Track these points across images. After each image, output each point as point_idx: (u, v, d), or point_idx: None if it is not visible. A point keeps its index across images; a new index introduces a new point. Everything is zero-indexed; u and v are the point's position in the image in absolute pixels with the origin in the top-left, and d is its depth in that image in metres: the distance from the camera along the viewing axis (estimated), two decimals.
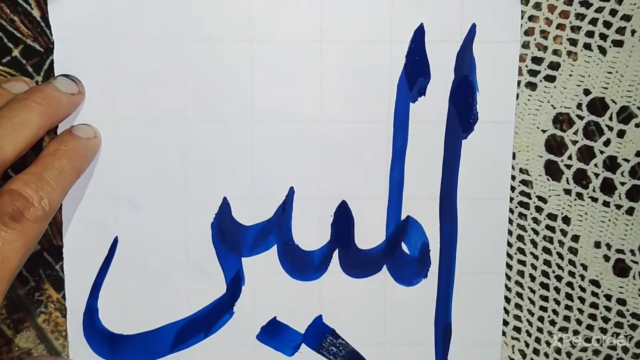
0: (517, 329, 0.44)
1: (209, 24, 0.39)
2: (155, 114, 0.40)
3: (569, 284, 0.43)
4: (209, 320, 0.41)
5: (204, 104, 0.40)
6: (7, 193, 0.33)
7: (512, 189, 0.42)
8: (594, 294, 0.43)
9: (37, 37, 0.39)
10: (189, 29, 0.39)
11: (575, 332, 0.44)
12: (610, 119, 0.42)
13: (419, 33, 0.40)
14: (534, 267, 0.43)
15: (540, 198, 0.42)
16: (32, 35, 0.39)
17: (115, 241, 0.41)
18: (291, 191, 0.41)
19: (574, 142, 0.42)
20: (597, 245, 0.43)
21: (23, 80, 0.38)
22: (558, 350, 0.44)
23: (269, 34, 0.39)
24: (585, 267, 0.43)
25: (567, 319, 0.43)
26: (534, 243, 0.43)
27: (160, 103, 0.40)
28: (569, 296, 0.43)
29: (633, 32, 0.41)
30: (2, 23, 0.39)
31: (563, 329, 0.43)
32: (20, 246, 0.33)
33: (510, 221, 0.42)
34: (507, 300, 0.43)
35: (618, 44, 0.41)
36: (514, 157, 0.42)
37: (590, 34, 0.41)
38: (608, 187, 0.42)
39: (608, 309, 0.43)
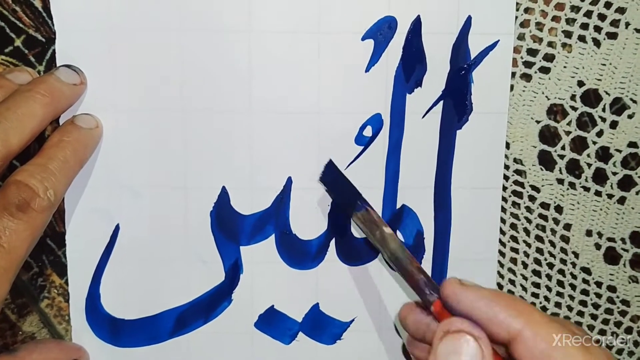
0: None
1: (209, 15, 0.40)
2: (155, 104, 0.40)
3: (561, 272, 0.44)
4: (208, 306, 0.42)
5: (203, 95, 0.40)
6: (14, 184, 0.34)
7: (506, 178, 0.43)
8: (585, 281, 0.44)
9: (39, 27, 0.40)
10: (189, 20, 0.40)
11: (566, 318, 0.44)
12: (604, 110, 0.42)
13: (416, 25, 0.40)
14: (527, 255, 0.44)
15: (533, 187, 0.43)
16: (33, 25, 0.40)
17: (117, 229, 0.41)
18: (289, 181, 0.41)
19: (568, 133, 0.42)
20: (589, 233, 0.44)
21: (26, 71, 0.39)
22: None
23: (267, 26, 0.40)
24: (576, 255, 0.44)
25: (558, 305, 0.44)
26: (527, 231, 0.43)
27: (160, 93, 0.40)
28: (560, 283, 0.44)
29: (627, 24, 0.41)
30: (4, 13, 0.39)
31: (554, 315, 0.44)
32: (27, 236, 0.34)
33: (504, 210, 0.43)
34: (500, 287, 0.44)
35: (612, 36, 0.41)
36: (508, 147, 0.42)
37: (584, 26, 0.41)
38: (600, 176, 0.43)
39: (599, 295, 0.44)
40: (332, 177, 0.40)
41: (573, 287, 0.44)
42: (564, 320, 0.34)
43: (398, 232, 0.42)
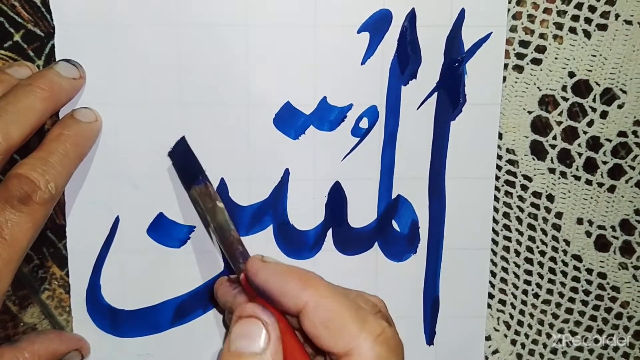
0: (502, 302, 0.45)
1: (206, 9, 0.40)
2: (153, 98, 0.41)
3: (552, 259, 0.45)
4: (207, 296, 0.43)
5: (201, 88, 0.41)
6: (15, 177, 0.34)
7: (499, 168, 0.43)
8: (576, 268, 0.45)
9: (38, 21, 0.40)
10: (187, 14, 0.40)
11: (558, 305, 0.45)
12: (594, 100, 0.43)
13: (411, 18, 0.41)
14: (519, 243, 0.44)
15: (525, 177, 0.44)
16: (32, 20, 0.40)
17: (117, 220, 0.42)
18: (286, 173, 0.42)
19: (559, 123, 0.43)
20: (580, 221, 0.44)
21: (26, 65, 0.39)
22: (541, 322, 0.46)
23: (264, 19, 0.40)
24: (568, 243, 0.45)
25: (550, 292, 0.45)
26: (519, 220, 0.44)
27: (158, 86, 0.41)
28: (552, 271, 0.45)
29: (617, 16, 0.42)
30: (3, 8, 0.40)
31: (546, 302, 0.45)
32: (28, 228, 0.34)
33: (497, 199, 0.44)
34: (493, 274, 0.45)
35: (602, 27, 0.42)
36: (500, 138, 0.43)
37: (575, 18, 0.42)
38: (591, 166, 0.44)
39: (589, 282, 0.45)
40: (180, 153, 0.41)
41: (564, 274, 0.45)
42: (355, 293, 0.35)
43: (394, 222, 0.43)
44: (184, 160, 0.41)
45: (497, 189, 0.43)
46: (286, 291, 0.33)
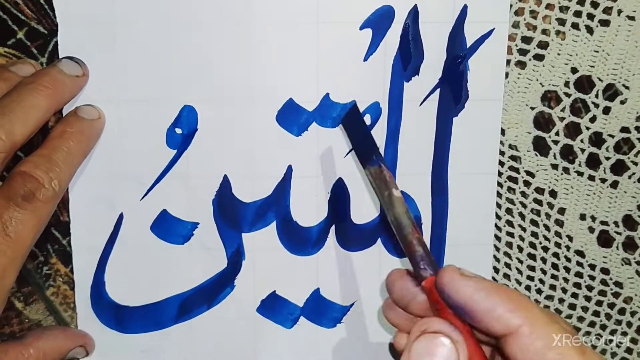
0: None
1: (209, 6, 0.40)
2: (156, 94, 0.41)
3: (555, 255, 0.45)
4: (211, 293, 0.43)
5: (204, 85, 0.41)
6: (19, 175, 0.34)
7: (502, 164, 0.43)
8: (579, 263, 0.45)
9: (41, 19, 0.40)
10: (190, 11, 0.40)
11: (561, 300, 0.45)
12: (597, 96, 0.43)
13: (413, 14, 0.41)
14: (522, 239, 0.44)
15: (528, 173, 0.44)
16: (36, 17, 0.40)
17: (121, 217, 0.42)
18: (289, 169, 0.42)
19: (562, 119, 0.43)
20: (583, 217, 0.44)
21: (29, 63, 0.39)
22: None
23: (266, 16, 0.40)
24: (570, 239, 0.45)
25: (553, 287, 0.45)
26: (522, 216, 0.44)
27: (161, 83, 0.41)
28: (555, 266, 0.45)
29: (619, 12, 0.42)
30: (6, 6, 0.40)
31: (549, 297, 0.45)
32: (32, 226, 0.35)
33: (500, 195, 0.44)
34: (496, 270, 0.45)
35: (605, 23, 0.42)
36: (503, 134, 0.43)
37: (578, 14, 0.42)
38: (593, 161, 0.44)
39: (592, 278, 0.45)
40: (353, 123, 0.40)
41: (567, 269, 0.45)
42: (561, 319, 0.33)
43: None
44: (355, 132, 0.40)
45: (499, 184, 0.44)
46: (494, 312, 0.29)
